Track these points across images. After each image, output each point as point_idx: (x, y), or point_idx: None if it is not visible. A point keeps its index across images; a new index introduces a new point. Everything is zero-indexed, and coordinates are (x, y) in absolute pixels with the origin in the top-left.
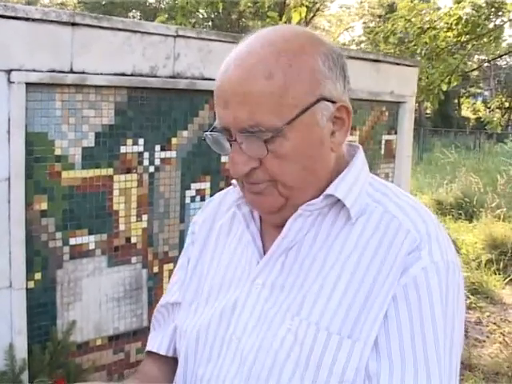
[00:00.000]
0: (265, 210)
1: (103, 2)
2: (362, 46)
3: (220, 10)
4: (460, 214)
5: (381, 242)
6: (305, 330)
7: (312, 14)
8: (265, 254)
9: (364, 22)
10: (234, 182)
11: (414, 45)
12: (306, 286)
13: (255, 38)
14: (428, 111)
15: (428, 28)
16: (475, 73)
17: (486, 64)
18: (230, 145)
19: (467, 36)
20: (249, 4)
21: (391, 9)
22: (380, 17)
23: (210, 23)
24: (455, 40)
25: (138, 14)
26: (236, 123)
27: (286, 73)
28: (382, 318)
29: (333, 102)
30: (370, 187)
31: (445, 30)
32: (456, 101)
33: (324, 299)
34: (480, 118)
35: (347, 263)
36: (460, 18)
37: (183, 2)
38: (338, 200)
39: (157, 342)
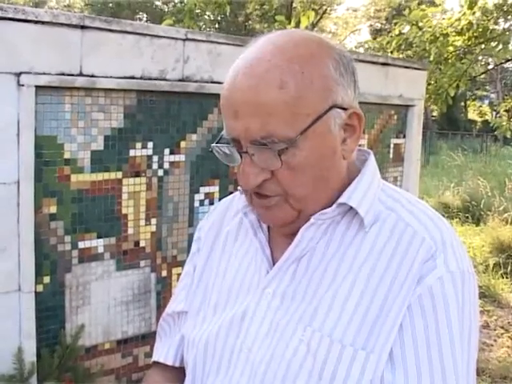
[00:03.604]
0: (278, 224)
1: (110, 4)
2: (370, 51)
3: (227, 13)
4: (467, 218)
5: (395, 251)
6: (318, 341)
7: (318, 17)
8: (274, 262)
9: (370, 25)
10: (240, 188)
11: (424, 49)
12: (318, 296)
13: (264, 44)
14: (434, 114)
15: (440, 34)
16: (482, 76)
17: (491, 66)
18: (241, 156)
19: (476, 40)
20: (256, 7)
21: (398, 11)
22: (387, 19)
23: (217, 25)
24: (464, 45)
25: (145, 16)
26: (247, 134)
27: (298, 81)
28: (396, 328)
29: (344, 109)
30: (382, 193)
31: (454, 34)
32: (462, 103)
33: (337, 310)
34: (486, 120)
35: (361, 272)
36: (470, 23)
37: (191, 5)
38: (351, 208)
39: (163, 352)
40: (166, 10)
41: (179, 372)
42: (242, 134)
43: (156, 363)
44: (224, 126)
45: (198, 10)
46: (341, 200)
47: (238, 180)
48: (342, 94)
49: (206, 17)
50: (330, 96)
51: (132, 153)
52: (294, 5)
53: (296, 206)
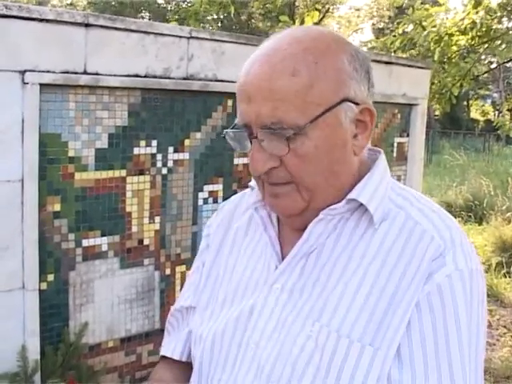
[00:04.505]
0: (286, 213)
1: (112, 3)
2: (373, 50)
3: (232, 14)
4: (469, 217)
5: (404, 248)
6: (325, 336)
7: (321, 16)
8: (283, 258)
9: (373, 24)
10: (251, 184)
11: (428, 49)
12: (326, 292)
13: (282, 36)
14: (437, 113)
15: (445, 34)
16: (484, 75)
17: (494, 65)
18: (251, 142)
19: (480, 39)
20: (259, 6)
21: (400, 10)
22: (389, 18)
23: (220, 24)
24: (468, 44)
25: (148, 14)
26: (258, 119)
27: (312, 70)
28: (404, 325)
29: (357, 104)
30: (392, 192)
31: (457, 34)
32: (465, 103)
33: (345, 306)
34: (489, 119)
35: (369, 269)
36: (474, 22)
37: (197, 7)
38: (361, 204)
39: (171, 347)
40: (169, 8)
41: (186, 367)
42: (254, 119)
43: (163, 358)
44: (237, 113)
45: (203, 12)
46: (350, 196)
47: (249, 167)
48: (355, 88)
49: (209, 16)
50: (342, 89)
51: (136, 151)
52: (296, 3)
53: (306, 197)
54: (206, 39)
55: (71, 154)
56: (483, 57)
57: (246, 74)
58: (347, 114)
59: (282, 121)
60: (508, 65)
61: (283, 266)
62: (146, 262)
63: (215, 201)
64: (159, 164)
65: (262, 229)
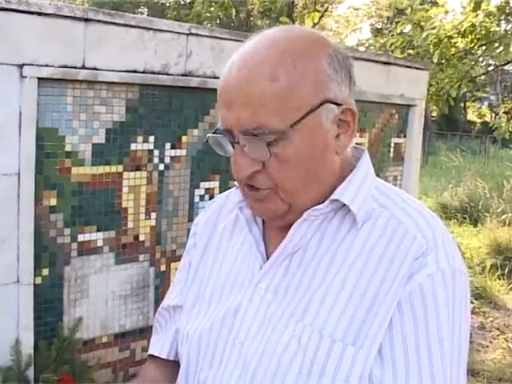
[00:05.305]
0: (268, 217)
1: None
2: (371, 48)
3: (233, 14)
4: (465, 218)
5: (386, 248)
6: (308, 336)
7: (320, 15)
8: (268, 257)
9: (371, 24)
10: (236, 182)
11: (426, 51)
12: (310, 291)
13: (260, 39)
14: (434, 114)
15: (444, 37)
16: (482, 77)
17: (491, 68)
18: (233, 147)
19: (478, 42)
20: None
21: (399, 11)
22: (388, 18)
23: (218, 21)
24: (467, 46)
25: (146, 10)
26: (239, 125)
27: (291, 74)
28: (386, 325)
29: (338, 105)
30: (375, 191)
31: (456, 36)
32: (462, 105)
33: (328, 305)
34: (486, 122)
35: (352, 269)
36: (473, 25)
37: (199, 10)
38: (344, 204)
39: (158, 346)
40: (168, 4)
41: (173, 366)
42: (234, 125)
43: (151, 357)
44: (219, 118)
45: (205, 14)
46: (333, 196)
47: (232, 171)
48: (335, 89)
49: (208, 13)
50: (322, 91)
51: (133, 146)
52: (295, 2)
53: (286, 200)
54: (205, 36)
55: (68, 148)
56: (481, 59)
57: (224, 79)
58: (328, 115)
59: (262, 126)
60: (505, 67)
61: (268, 266)
62: (142, 257)
63: (211, 198)
64: (156, 160)
65: (246, 229)
